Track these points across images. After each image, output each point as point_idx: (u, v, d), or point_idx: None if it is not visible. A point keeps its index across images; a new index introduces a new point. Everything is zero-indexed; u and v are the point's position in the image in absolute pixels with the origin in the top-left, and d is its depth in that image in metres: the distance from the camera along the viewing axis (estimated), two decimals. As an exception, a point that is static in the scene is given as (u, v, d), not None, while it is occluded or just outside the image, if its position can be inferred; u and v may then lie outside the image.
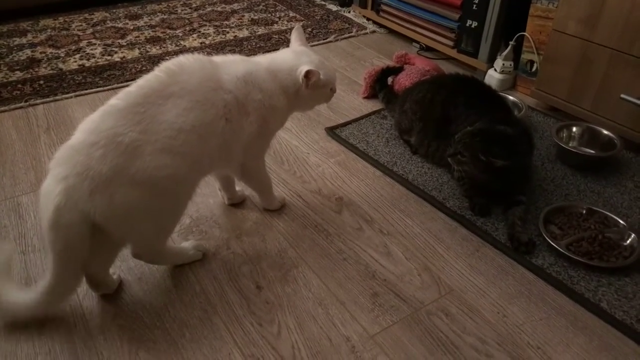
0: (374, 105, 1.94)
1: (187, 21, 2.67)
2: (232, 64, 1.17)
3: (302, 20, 2.73)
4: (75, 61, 2.21)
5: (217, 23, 2.66)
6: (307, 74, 1.19)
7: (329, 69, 1.28)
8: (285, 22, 2.70)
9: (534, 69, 1.98)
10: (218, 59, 1.18)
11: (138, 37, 2.47)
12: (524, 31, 1.95)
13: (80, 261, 1.03)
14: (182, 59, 1.11)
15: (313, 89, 1.23)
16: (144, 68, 2.16)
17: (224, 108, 1.11)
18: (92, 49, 2.33)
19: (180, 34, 2.51)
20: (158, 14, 2.76)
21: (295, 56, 1.25)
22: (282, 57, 1.25)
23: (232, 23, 2.67)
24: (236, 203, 1.44)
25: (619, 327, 1.11)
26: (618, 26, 1.57)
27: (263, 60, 1.24)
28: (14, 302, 1.05)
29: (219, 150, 1.13)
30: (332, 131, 1.77)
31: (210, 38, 2.48)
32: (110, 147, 0.97)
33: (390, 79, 2.00)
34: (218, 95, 1.10)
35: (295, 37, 1.31)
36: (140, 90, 1.04)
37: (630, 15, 1.53)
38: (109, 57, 2.26)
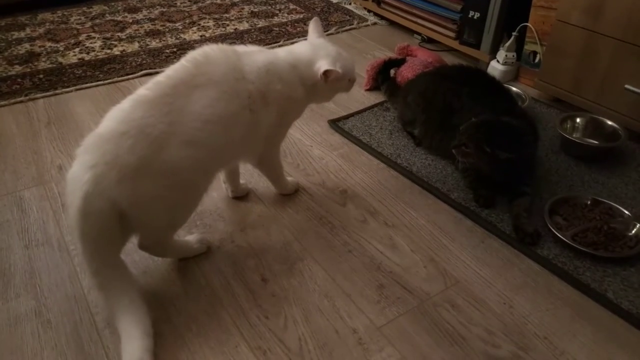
0: (376, 98, 1.93)
1: (186, 14, 2.65)
2: (252, 54, 1.18)
3: (302, 13, 2.71)
4: (75, 55, 2.19)
5: (216, 16, 2.64)
6: (326, 73, 1.19)
7: (347, 59, 1.27)
8: (286, 15, 2.68)
9: (537, 60, 1.97)
10: (240, 48, 1.18)
11: (137, 30, 2.45)
12: (527, 22, 1.94)
13: (115, 250, 1.05)
14: (207, 48, 1.12)
15: (332, 84, 1.23)
16: (144, 61, 2.15)
17: (248, 99, 1.12)
18: (91, 43, 2.31)
19: (180, 27, 2.49)
20: (157, 7, 2.74)
21: (312, 49, 1.24)
22: (300, 50, 1.25)
23: (232, 16, 2.65)
24: (240, 196, 1.43)
25: (625, 316, 1.11)
26: (622, 16, 1.56)
27: (281, 51, 1.25)
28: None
29: (241, 140, 1.14)
30: (335, 124, 1.76)
31: (210, 31, 2.46)
32: (140, 138, 0.97)
33: (392, 71, 1.99)
34: (242, 85, 1.11)
35: (312, 29, 1.31)
36: (169, 80, 1.05)
37: (635, 4, 1.52)
38: (108, 51, 2.24)
